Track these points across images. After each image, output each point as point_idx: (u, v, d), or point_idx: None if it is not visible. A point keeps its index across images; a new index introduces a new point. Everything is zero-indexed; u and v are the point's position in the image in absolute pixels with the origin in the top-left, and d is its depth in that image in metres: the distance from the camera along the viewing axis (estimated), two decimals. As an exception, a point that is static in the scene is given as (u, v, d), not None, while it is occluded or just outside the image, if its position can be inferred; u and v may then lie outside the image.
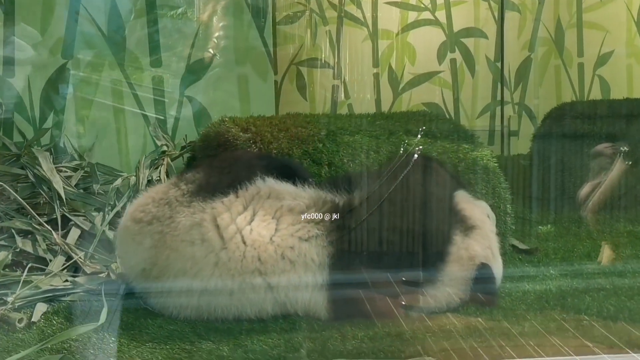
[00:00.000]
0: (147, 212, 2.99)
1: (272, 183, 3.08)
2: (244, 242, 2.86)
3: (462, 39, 6.05)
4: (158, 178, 4.01)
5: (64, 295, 3.15)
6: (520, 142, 6.26)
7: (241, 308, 2.86)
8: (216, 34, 4.80)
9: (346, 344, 2.66)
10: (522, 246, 3.88)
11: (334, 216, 2.94)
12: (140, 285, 2.99)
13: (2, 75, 4.39)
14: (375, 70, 5.80)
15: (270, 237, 2.89)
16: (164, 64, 4.69)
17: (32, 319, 2.91)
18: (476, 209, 3.22)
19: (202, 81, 4.76)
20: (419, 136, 3.69)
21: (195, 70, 4.75)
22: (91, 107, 4.55)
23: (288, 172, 3.18)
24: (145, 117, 4.63)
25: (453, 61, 6.04)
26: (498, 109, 6.23)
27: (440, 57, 6.00)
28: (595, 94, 6.40)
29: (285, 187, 3.09)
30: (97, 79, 4.54)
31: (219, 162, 3.22)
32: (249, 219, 2.93)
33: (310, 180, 3.23)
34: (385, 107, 5.81)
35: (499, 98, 6.20)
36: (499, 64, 6.18)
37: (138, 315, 2.97)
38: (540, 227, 4.37)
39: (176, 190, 3.02)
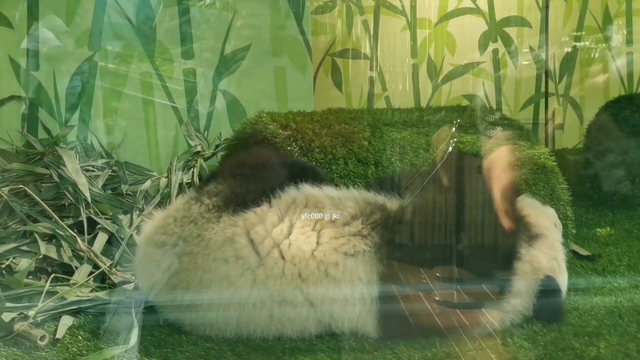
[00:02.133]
0: (170, 233, 2.72)
1: (308, 189, 2.83)
2: (283, 258, 2.61)
3: (505, 28, 5.86)
4: (189, 181, 3.76)
5: (91, 307, 2.91)
6: (566, 135, 6.03)
7: (282, 328, 2.62)
8: (251, 24, 4.52)
9: (402, 367, 2.41)
10: (583, 252, 3.59)
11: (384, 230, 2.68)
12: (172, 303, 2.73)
13: (25, 68, 4.15)
14: (413, 61, 5.62)
15: (312, 251, 2.62)
16: (196, 56, 4.44)
17: (57, 335, 2.67)
18: (541, 216, 2.94)
19: (236, 74, 4.49)
20: (454, 129, 3.40)
21: (229, 62, 4.48)
22: (120, 102, 4.30)
23: (303, 176, 2.92)
24: (176, 112, 4.39)
25: (495, 51, 5.85)
26: (542, 101, 6.00)
27: (482, 47, 5.81)
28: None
29: (324, 193, 2.83)
30: (125, 72, 4.29)
31: (241, 168, 2.92)
32: (286, 231, 2.66)
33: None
34: (424, 100, 5.63)
35: (543, 90, 5.97)
36: (543, 54, 5.93)
37: (172, 330, 2.73)
38: (598, 229, 4.07)
39: (199, 206, 2.75)
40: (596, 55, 6.24)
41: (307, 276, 2.58)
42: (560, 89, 6.13)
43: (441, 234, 2.67)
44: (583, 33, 6.17)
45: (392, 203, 2.80)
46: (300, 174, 2.90)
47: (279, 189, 2.78)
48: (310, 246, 2.63)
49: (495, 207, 2.65)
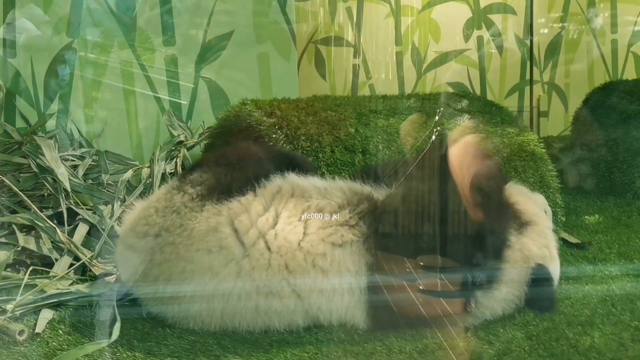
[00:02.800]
0: (152, 223, 2.64)
1: (294, 178, 2.75)
2: (269, 249, 2.53)
3: (490, 15, 5.82)
4: (173, 171, 3.68)
5: (71, 300, 2.83)
6: (551, 123, 6.01)
7: (268, 321, 2.55)
8: (233, 11, 4.43)
9: (393, 358, 2.35)
10: (572, 240, 3.54)
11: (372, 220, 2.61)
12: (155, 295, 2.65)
13: (2, 56, 4.04)
14: (397, 49, 5.58)
15: (299, 242, 2.55)
16: (177, 44, 4.34)
17: (36, 330, 2.59)
18: (531, 203, 2.88)
19: (219, 61, 4.40)
20: (437, 117, 3.34)
21: (211, 49, 4.39)
22: (99, 90, 4.20)
23: (290, 166, 2.85)
24: (158, 100, 4.30)
25: (480, 38, 5.83)
26: (527, 88, 5.98)
27: (466, 35, 5.73)
28: (630, 73, 6.13)
29: (311, 183, 2.76)
30: (105, 60, 4.19)
31: (226, 157, 2.84)
32: (271, 221, 2.59)
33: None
34: (408, 88, 5.56)
35: (528, 77, 5.94)
36: (528, 41, 5.90)
37: (155, 323, 2.65)
38: (586, 217, 4.03)
39: (182, 196, 2.66)
40: (581, 42, 6.20)
41: (294, 267, 2.51)
42: (545, 76, 6.10)
43: (430, 222, 2.60)
44: (567, 19, 6.12)
45: (379, 193, 2.73)
46: (287, 163, 2.83)
47: (264, 178, 2.70)
48: (297, 237, 2.55)
49: (462, 197, 2.59)
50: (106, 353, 2.41)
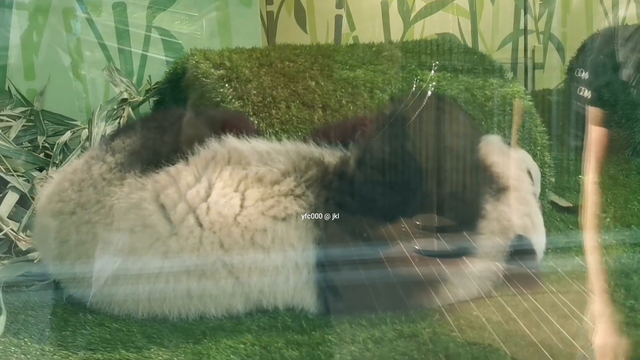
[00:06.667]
0: (67, 200, 2.32)
1: (233, 142, 2.39)
2: (200, 225, 2.20)
3: None
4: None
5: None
6: (546, 75, 5.68)
7: (203, 307, 2.23)
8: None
9: (343, 350, 2.02)
10: (563, 203, 3.20)
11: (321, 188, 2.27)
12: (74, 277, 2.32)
13: None
14: None
15: (235, 216, 2.21)
16: (126, -11, 3.95)
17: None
18: (511, 163, 2.52)
19: (173, 8, 4.00)
20: (433, 72, 3.09)
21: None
22: (41, 43, 3.81)
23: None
24: (107, 53, 3.90)
25: None
26: (521, 39, 5.63)
27: None
28: (632, 21, 5.78)
29: (251, 147, 2.39)
30: (46, 7, 3.78)
31: (155, 119, 2.52)
32: (203, 193, 2.24)
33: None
34: (395, 39, 5.19)
35: (522, 27, 5.60)
36: (521, -13, 5.55)
37: (77, 308, 2.32)
38: (580, 176, 3.67)
39: (101, 166, 2.33)
40: (579, -13, 5.88)
41: (230, 245, 2.19)
42: (541, 25, 5.76)
43: (391, 191, 2.26)
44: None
45: (331, 156, 2.37)
46: (222, 126, 2.46)
47: (198, 143, 2.34)
48: (233, 210, 2.22)
49: None
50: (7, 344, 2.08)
